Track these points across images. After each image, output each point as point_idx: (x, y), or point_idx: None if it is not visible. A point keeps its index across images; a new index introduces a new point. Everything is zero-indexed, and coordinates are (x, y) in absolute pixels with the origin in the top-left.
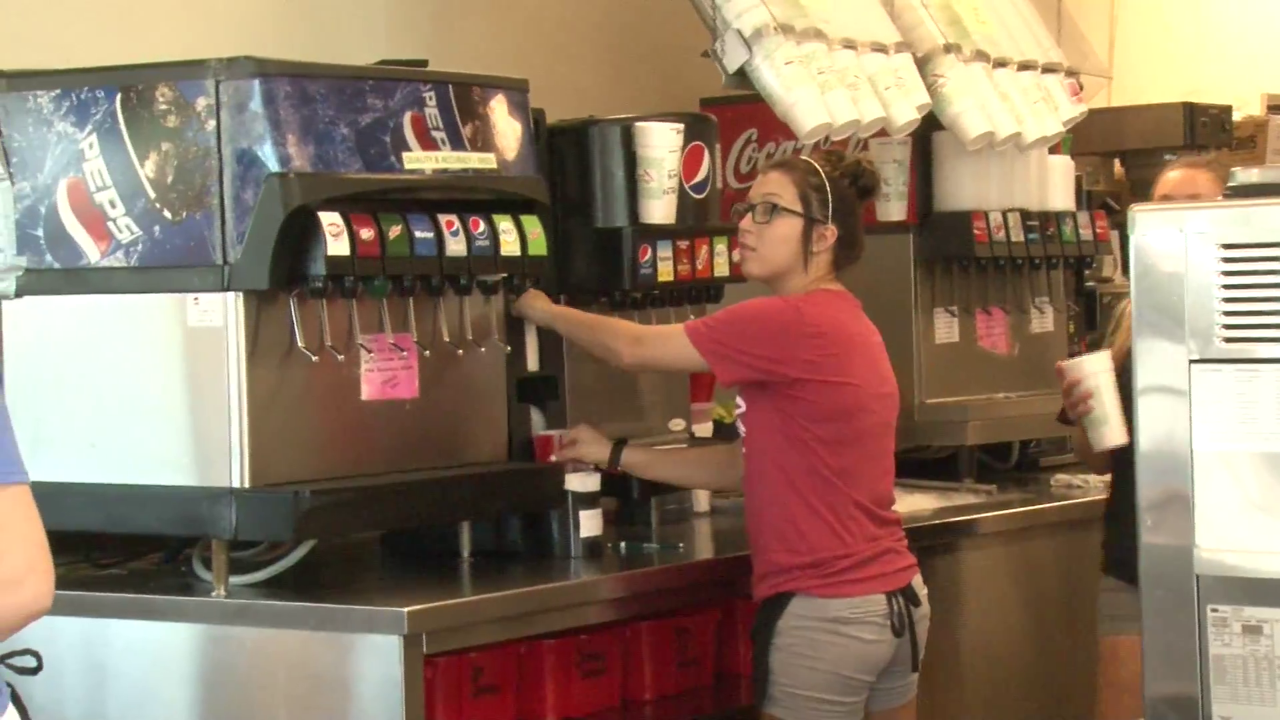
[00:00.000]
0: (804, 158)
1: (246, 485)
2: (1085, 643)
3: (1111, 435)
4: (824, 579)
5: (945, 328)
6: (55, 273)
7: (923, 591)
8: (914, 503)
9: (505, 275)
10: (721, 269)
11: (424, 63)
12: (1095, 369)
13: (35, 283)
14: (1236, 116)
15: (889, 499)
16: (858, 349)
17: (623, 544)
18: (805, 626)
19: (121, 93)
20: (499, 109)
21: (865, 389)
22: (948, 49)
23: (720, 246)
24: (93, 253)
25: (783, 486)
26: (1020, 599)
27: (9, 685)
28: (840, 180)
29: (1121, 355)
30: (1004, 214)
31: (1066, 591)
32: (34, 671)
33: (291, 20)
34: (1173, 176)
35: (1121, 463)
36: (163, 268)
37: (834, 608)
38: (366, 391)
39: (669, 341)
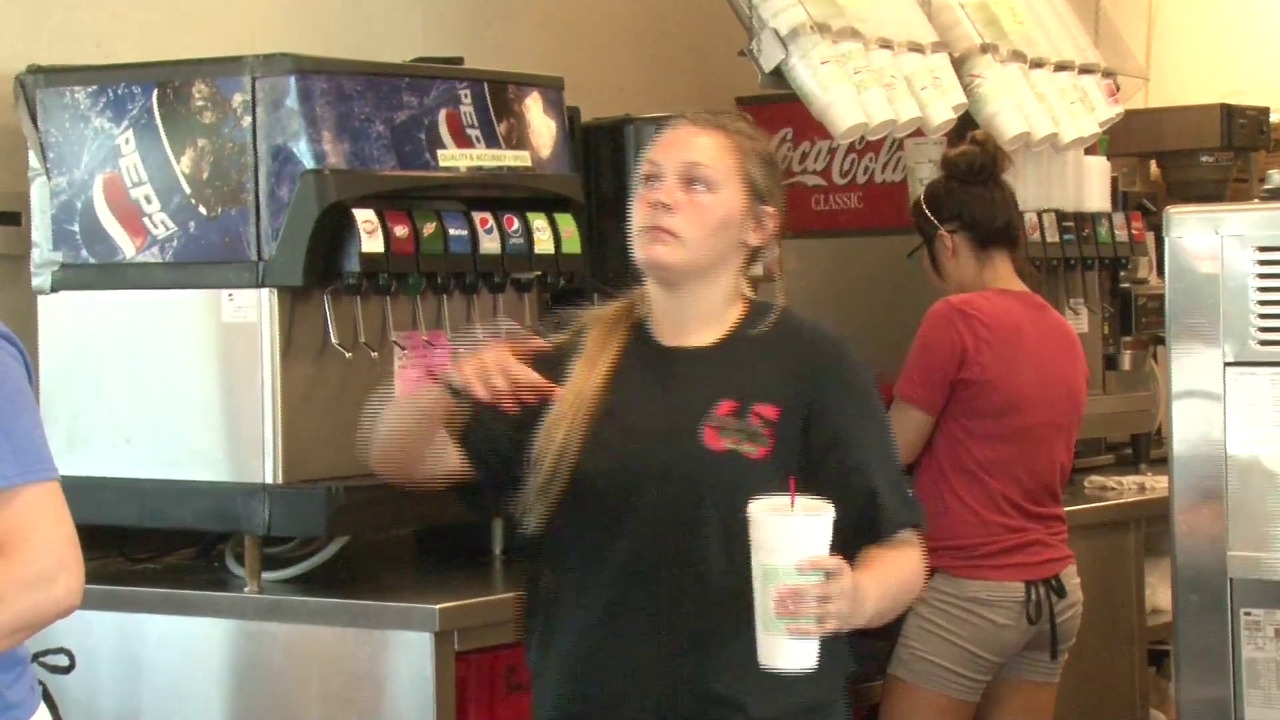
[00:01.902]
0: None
1: (280, 481)
2: (1123, 644)
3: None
4: (964, 561)
5: None
6: (91, 268)
7: (1073, 583)
8: None
9: (539, 273)
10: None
11: (460, 61)
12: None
13: (71, 278)
14: (1274, 118)
15: (1049, 494)
16: (1025, 349)
17: None
18: (944, 601)
19: (158, 89)
20: (534, 107)
21: (1025, 389)
22: (984, 49)
23: None
24: (128, 248)
25: (934, 474)
26: None
27: (40, 683)
28: (947, 182)
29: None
30: (1040, 214)
31: (1103, 593)
32: (66, 670)
33: (328, 18)
34: (661, 138)
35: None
36: (198, 263)
37: (971, 588)
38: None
39: (900, 430)
